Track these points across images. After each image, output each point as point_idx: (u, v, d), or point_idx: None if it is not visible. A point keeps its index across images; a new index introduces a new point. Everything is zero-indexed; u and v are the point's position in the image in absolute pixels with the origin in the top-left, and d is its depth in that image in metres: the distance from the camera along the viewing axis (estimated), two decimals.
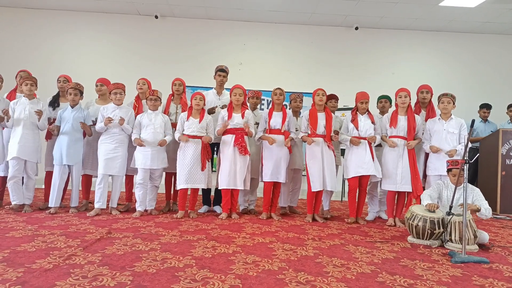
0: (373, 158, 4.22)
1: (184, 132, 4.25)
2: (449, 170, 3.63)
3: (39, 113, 4.13)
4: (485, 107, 6.43)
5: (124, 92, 4.34)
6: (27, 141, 4.17)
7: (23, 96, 4.30)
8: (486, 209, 3.39)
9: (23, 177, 4.29)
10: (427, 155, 4.43)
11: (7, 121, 4.11)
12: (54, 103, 4.59)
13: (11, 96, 4.63)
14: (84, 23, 7.87)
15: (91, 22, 7.88)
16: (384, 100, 4.87)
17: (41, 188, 4.66)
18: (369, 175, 4.25)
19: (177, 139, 4.28)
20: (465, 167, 3.08)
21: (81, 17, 7.85)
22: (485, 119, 6.42)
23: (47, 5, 7.64)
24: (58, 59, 7.69)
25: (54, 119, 4.40)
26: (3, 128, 4.33)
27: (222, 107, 4.57)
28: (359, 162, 4.21)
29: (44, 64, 7.36)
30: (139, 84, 4.73)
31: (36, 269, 2.28)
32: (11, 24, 7.77)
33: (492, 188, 5.55)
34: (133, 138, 4.26)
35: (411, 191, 4.17)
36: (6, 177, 4.29)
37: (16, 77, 4.77)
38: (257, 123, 4.56)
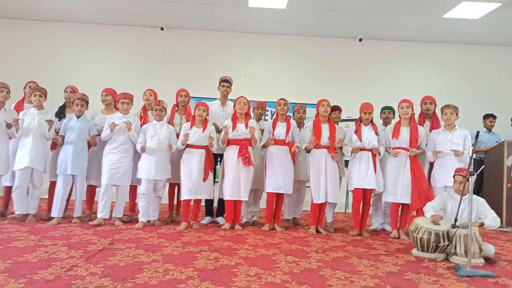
0: (375, 170, 4.21)
1: (187, 142, 4.27)
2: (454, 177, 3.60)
3: (50, 122, 4.17)
4: (491, 117, 6.37)
5: (132, 103, 4.39)
6: (37, 150, 4.20)
7: (32, 106, 4.34)
8: (491, 220, 3.34)
9: (28, 187, 4.30)
10: (431, 166, 4.41)
11: (16, 131, 4.15)
12: (60, 113, 4.61)
13: (19, 107, 4.68)
14: (90, 34, 7.97)
15: (97, 34, 7.98)
16: (387, 111, 4.86)
17: (45, 198, 4.67)
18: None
19: (179, 146, 4.28)
20: (470, 178, 3.06)
21: (87, 29, 7.96)
22: (490, 129, 6.36)
23: (54, 17, 7.76)
24: (64, 70, 7.77)
25: (59, 129, 4.42)
26: (10, 138, 4.36)
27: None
28: (362, 175, 4.20)
29: (51, 75, 7.42)
30: (145, 95, 4.76)
31: (37, 280, 2.28)
32: (18, 36, 7.89)
33: (497, 201, 5.47)
34: (137, 147, 4.28)
35: (409, 203, 4.13)
36: (11, 187, 4.31)
37: (24, 88, 4.82)
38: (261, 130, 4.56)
